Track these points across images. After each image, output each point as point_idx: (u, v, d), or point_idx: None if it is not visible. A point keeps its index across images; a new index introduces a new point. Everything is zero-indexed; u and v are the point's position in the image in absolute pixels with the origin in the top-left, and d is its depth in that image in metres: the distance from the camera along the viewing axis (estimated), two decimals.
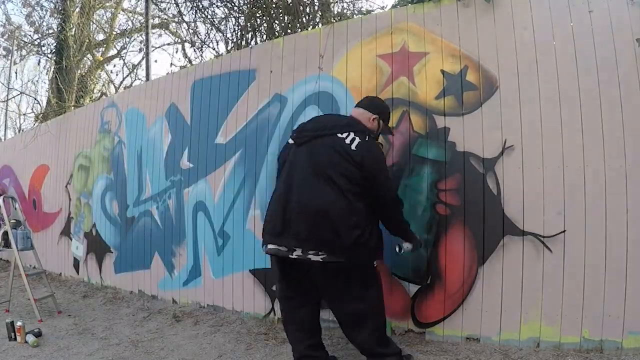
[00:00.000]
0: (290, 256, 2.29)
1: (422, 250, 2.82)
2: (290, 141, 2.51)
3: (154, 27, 8.12)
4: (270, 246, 2.37)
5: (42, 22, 9.24)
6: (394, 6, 3.47)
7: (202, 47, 5.93)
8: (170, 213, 4.14)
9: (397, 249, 2.55)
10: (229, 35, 5.47)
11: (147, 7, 5.68)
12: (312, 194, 2.26)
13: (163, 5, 7.34)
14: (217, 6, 5.58)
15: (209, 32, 5.79)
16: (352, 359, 2.66)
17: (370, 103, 2.60)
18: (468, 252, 2.71)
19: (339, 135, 2.33)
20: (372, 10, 4.55)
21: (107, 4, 10.49)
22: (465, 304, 2.70)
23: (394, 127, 2.96)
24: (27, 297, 4.09)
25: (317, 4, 4.88)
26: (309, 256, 2.24)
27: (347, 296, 2.35)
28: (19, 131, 12.34)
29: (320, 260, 2.22)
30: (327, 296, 2.46)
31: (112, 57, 11.16)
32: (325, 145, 2.33)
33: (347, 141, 2.30)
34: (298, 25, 4.67)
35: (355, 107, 2.62)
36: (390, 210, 2.43)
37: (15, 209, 4.44)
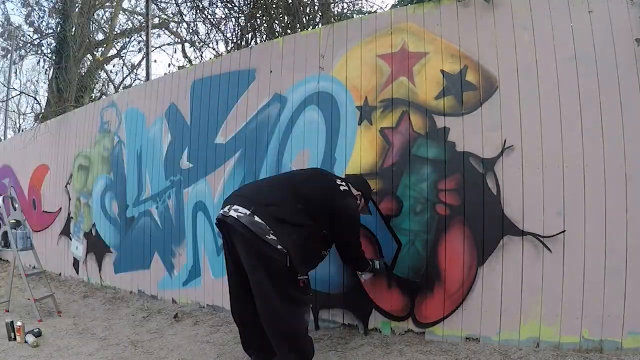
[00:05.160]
0: (226, 214, 2.35)
1: (421, 250, 2.83)
2: None
3: (154, 27, 8.12)
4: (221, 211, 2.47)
5: (42, 22, 9.25)
6: (393, 6, 3.47)
7: (202, 47, 5.94)
8: (170, 213, 4.14)
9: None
10: (228, 35, 5.48)
11: (147, 7, 5.68)
12: (268, 192, 2.49)
13: (163, 5, 7.35)
14: (217, 6, 5.59)
15: (209, 32, 5.80)
16: (352, 358, 2.66)
17: (355, 180, 2.85)
18: (468, 252, 2.71)
19: (337, 181, 2.66)
20: (372, 11, 4.55)
21: (107, 4, 10.49)
22: (464, 304, 2.70)
23: (394, 127, 2.96)
24: (27, 297, 4.09)
25: (317, 4, 4.88)
26: (231, 212, 2.32)
27: (256, 285, 2.32)
28: (19, 131, 12.34)
29: (235, 217, 2.29)
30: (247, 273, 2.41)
31: (112, 57, 11.16)
32: (315, 175, 2.76)
33: (338, 183, 2.63)
34: (298, 25, 4.67)
35: None
36: (348, 253, 2.72)
37: (15, 208, 4.44)
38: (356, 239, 2.65)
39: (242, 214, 2.31)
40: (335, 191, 2.55)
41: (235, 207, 2.35)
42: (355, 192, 2.71)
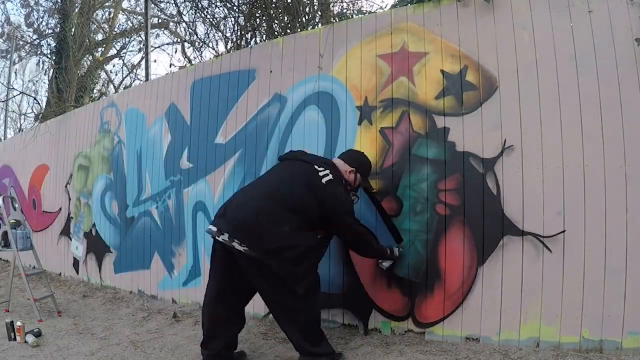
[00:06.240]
0: (217, 237, 2.42)
1: (421, 250, 2.83)
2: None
3: (153, 27, 8.11)
4: (210, 225, 2.49)
5: (42, 22, 9.24)
6: (393, 6, 3.47)
7: (201, 47, 5.93)
8: (170, 213, 4.14)
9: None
10: (228, 35, 5.48)
11: (146, 7, 5.67)
12: (258, 197, 2.44)
13: (162, 5, 7.34)
14: (216, 6, 5.59)
15: (208, 32, 5.78)
16: (352, 358, 2.66)
17: (350, 155, 2.77)
18: (468, 252, 2.71)
19: (316, 167, 2.52)
20: (372, 11, 4.55)
21: (107, 4, 10.49)
22: (464, 303, 2.70)
23: (394, 127, 2.96)
24: (27, 297, 4.09)
25: (317, 4, 4.88)
26: (234, 244, 2.36)
27: (274, 288, 2.46)
28: (19, 131, 12.33)
29: (242, 250, 2.34)
30: (256, 286, 2.55)
31: (112, 57, 11.16)
32: (297, 168, 2.55)
33: (321, 174, 2.48)
34: (297, 25, 4.67)
35: (337, 157, 2.79)
36: (354, 244, 2.69)
37: (15, 208, 4.44)
38: (349, 229, 2.54)
39: (246, 248, 2.34)
40: (315, 184, 2.45)
41: (237, 240, 2.35)
42: (348, 170, 2.66)
